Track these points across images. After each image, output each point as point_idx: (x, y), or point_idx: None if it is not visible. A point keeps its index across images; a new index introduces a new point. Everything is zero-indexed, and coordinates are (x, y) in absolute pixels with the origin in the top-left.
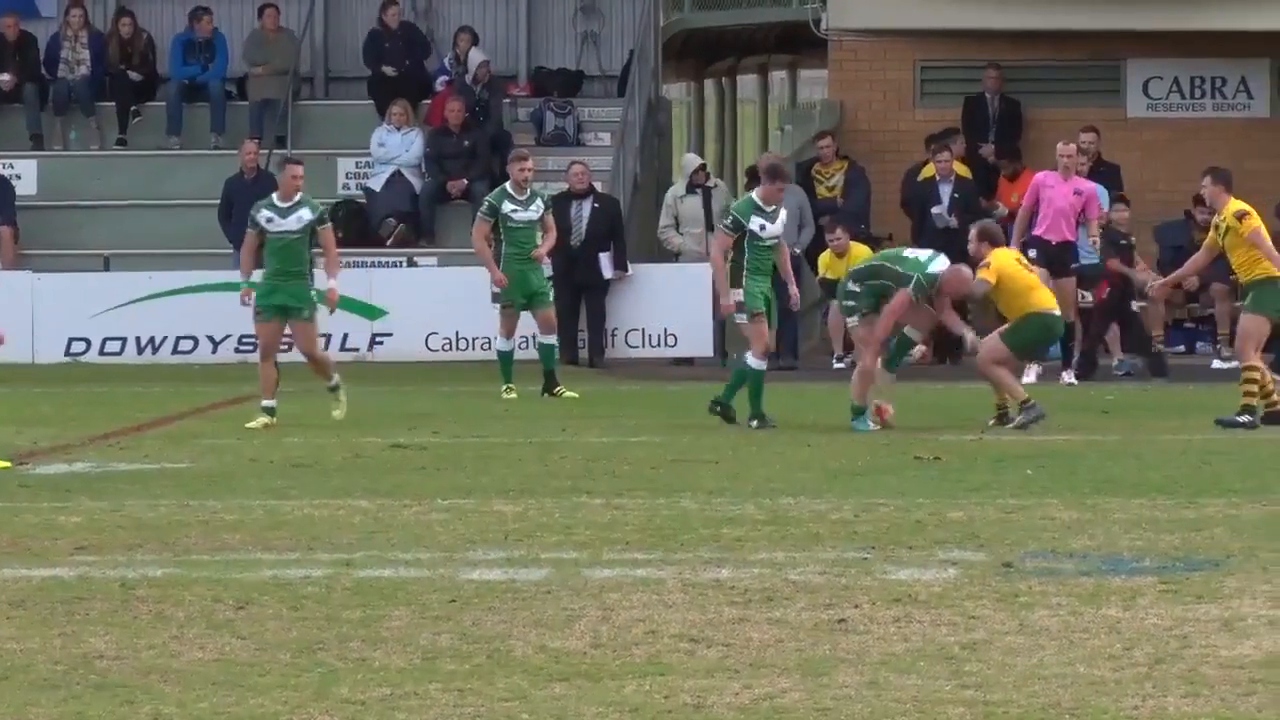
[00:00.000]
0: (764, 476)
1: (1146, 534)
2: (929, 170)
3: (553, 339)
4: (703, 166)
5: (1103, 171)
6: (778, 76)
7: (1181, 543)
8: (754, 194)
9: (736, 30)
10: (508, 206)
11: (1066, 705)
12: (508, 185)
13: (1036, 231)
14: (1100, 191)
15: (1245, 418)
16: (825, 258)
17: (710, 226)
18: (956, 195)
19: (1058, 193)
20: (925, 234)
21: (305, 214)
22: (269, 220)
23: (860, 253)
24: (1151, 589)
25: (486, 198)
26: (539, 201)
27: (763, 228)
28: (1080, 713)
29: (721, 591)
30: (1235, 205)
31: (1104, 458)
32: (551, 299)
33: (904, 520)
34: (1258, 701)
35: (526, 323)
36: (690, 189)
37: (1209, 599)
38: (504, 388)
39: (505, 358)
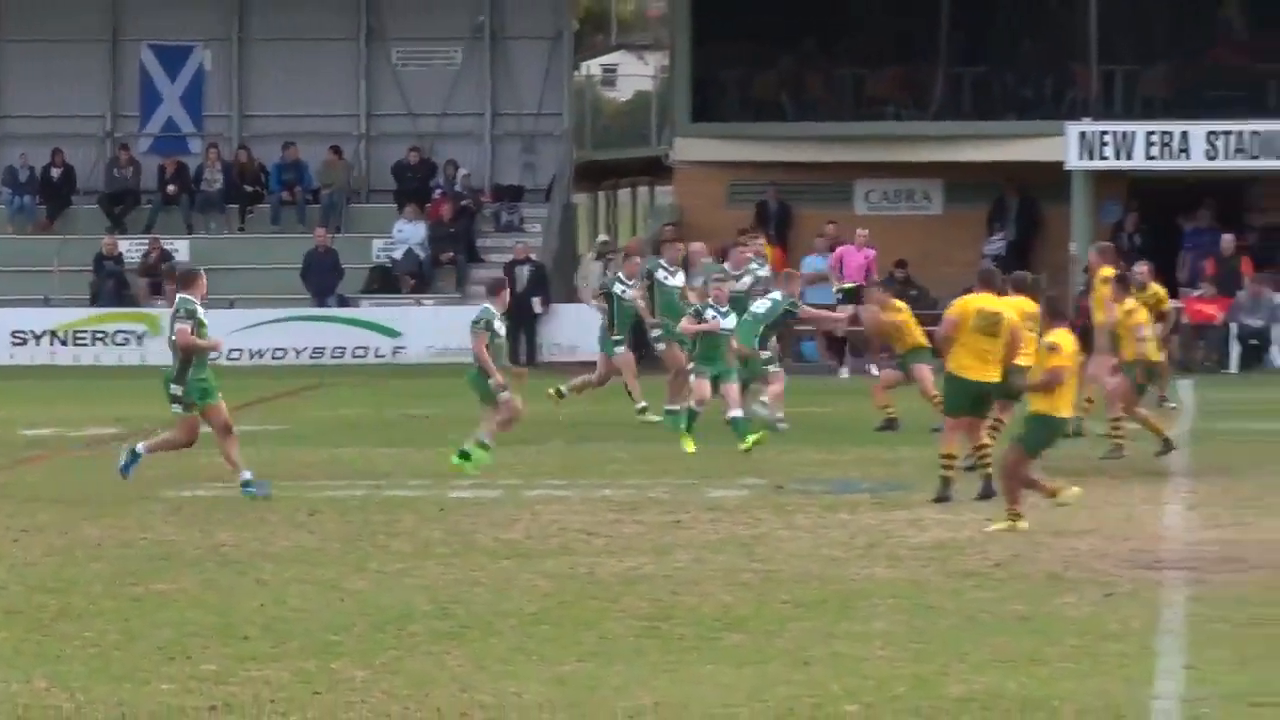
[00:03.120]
0: (641, 434)
1: (866, 468)
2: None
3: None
4: (606, 241)
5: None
6: (643, 190)
7: (887, 473)
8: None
9: (617, 161)
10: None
11: (815, 573)
12: (727, 265)
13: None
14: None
15: None
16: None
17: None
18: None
19: (850, 259)
20: None
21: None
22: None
23: None
24: (867, 502)
25: None
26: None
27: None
28: (824, 577)
29: (606, 504)
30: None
31: (847, 424)
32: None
33: (719, 459)
34: (930, 570)
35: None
36: (598, 256)
37: (903, 508)
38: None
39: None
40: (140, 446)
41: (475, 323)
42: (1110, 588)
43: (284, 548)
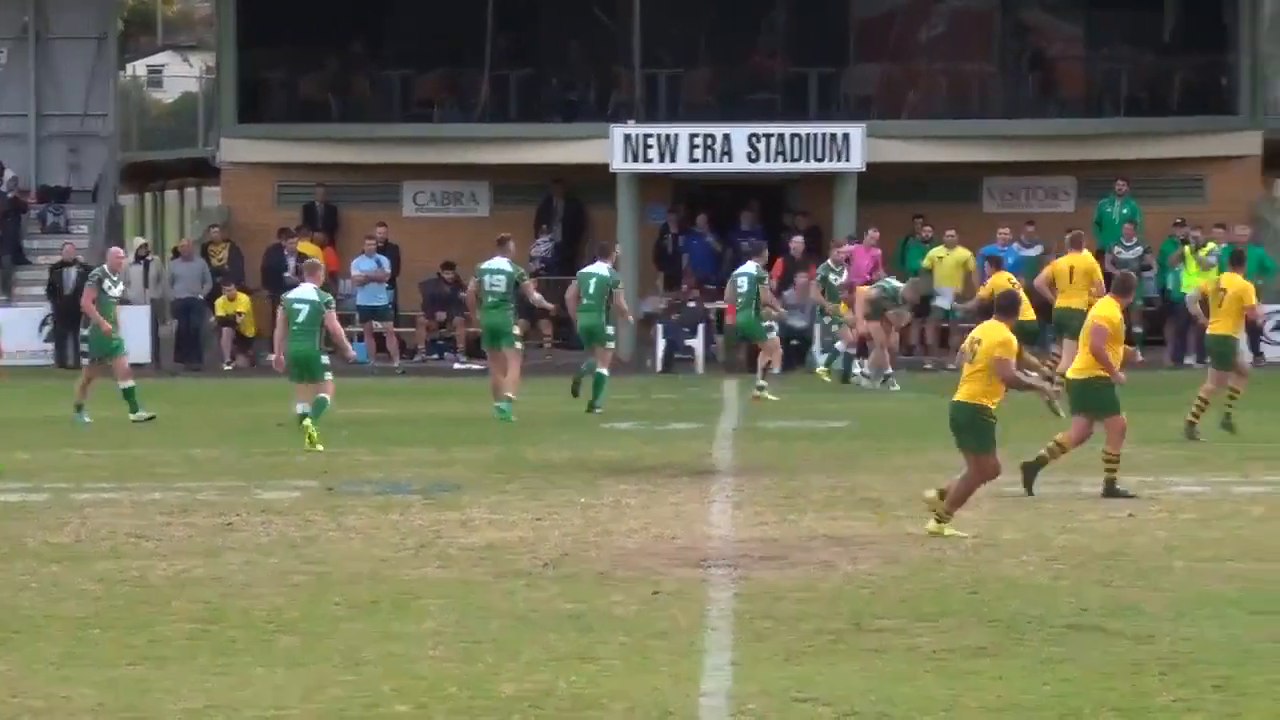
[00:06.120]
0: (184, 433)
1: (417, 469)
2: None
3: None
4: (145, 244)
5: (389, 250)
6: (191, 191)
7: (438, 474)
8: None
9: (165, 162)
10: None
11: (367, 573)
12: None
13: None
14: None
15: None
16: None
17: (146, 286)
18: (301, 261)
19: (859, 259)
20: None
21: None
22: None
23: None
24: (419, 502)
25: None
26: None
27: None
28: (376, 578)
29: (155, 507)
30: None
31: (398, 425)
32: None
33: (268, 461)
34: (481, 570)
35: None
36: (137, 259)
37: (453, 509)
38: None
39: None
40: None
41: None
42: (658, 586)
43: None
